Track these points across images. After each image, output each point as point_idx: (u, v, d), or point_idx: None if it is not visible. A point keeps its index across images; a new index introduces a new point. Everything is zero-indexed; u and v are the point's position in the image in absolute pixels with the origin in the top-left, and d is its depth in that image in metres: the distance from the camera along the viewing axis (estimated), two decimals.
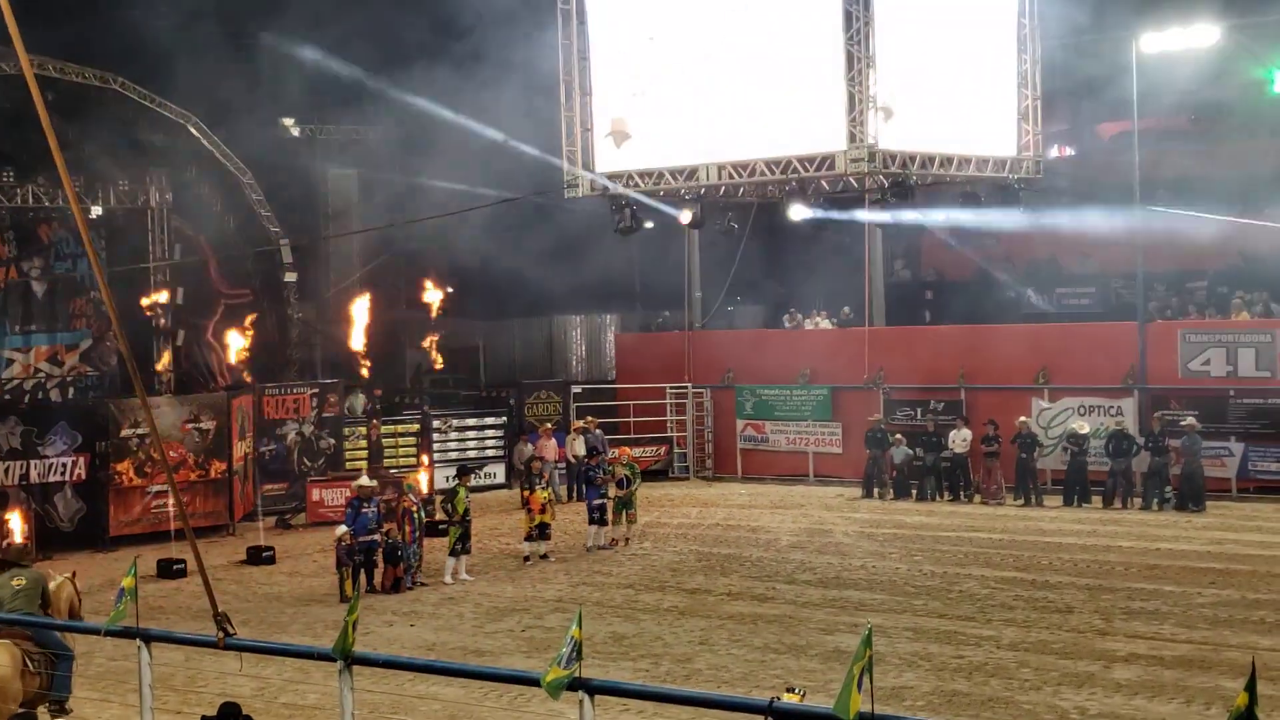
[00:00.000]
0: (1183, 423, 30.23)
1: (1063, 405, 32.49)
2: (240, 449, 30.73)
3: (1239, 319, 32.79)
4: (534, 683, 10.38)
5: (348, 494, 26.31)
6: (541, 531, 26.01)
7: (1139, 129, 33.17)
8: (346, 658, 11.28)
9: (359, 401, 35.52)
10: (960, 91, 30.22)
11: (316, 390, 33.00)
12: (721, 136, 29.78)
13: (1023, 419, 31.70)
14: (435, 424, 35.42)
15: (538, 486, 26.48)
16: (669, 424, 37.62)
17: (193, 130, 34.74)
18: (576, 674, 10.10)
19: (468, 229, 35.85)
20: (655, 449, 37.05)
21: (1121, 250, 34.72)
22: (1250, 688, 8.04)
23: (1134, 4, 33.09)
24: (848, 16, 27.40)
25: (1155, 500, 30.01)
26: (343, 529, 23.75)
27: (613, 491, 27.68)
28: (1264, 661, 16.54)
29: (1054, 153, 39.55)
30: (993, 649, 18.50)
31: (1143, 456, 30.48)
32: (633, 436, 36.15)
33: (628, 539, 27.51)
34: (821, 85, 28.35)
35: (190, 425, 29.63)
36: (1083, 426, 31.41)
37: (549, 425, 35.19)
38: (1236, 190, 35.06)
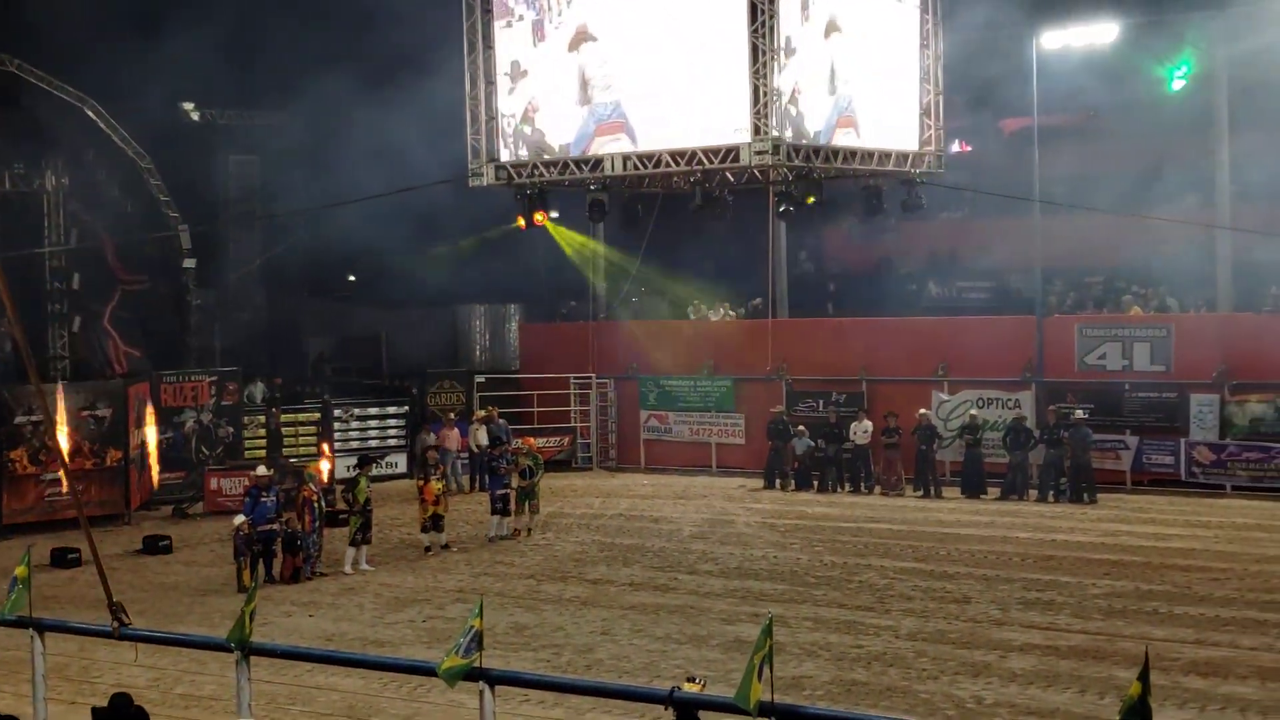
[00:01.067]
0: (1072, 415, 30.69)
1: (962, 397, 32.84)
2: (137, 437, 30.32)
3: (1133, 314, 33.33)
4: (433, 673, 10.34)
5: (246, 483, 26.07)
6: (435, 523, 25.90)
7: (1039, 125, 33.57)
8: (243, 648, 11.17)
9: (259, 390, 35.18)
10: (865, 85, 30.40)
11: (215, 378, 32.63)
12: (630, 126, 29.70)
13: (922, 411, 32.03)
14: (336, 413, 35.19)
15: (432, 477, 26.29)
16: (573, 414, 37.58)
17: (90, 114, 34.19)
18: (477, 664, 10.07)
19: (372, 218, 35.57)
20: (559, 439, 37.00)
21: (1020, 244, 35.13)
22: (1143, 677, 8.17)
23: (1036, 1, 33.46)
24: (753, 9, 27.46)
25: (1050, 492, 30.41)
26: (240, 518, 23.52)
27: (515, 482, 27.62)
28: (1157, 651, 16.77)
29: (955, 148, 39.93)
30: (891, 639, 18.66)
31: (1040, 448, 30.88)
32: (536, 426, 36.06)
33: (530, 529, 27.46)
34: (727, 77, 28.40)
35: (86, 413, 29.18)
36: (978, 416, 31.82)
37: (452, 415, 35.05)
38: (1134, 186, 35.59)
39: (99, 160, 35.53)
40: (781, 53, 27.98)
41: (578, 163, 30.11)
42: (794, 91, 28.76)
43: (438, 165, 34.26)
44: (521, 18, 29.87)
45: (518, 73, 30.23)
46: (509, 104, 30.06)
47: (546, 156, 31.02)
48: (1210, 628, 18.86)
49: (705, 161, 28.53)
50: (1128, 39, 33.83)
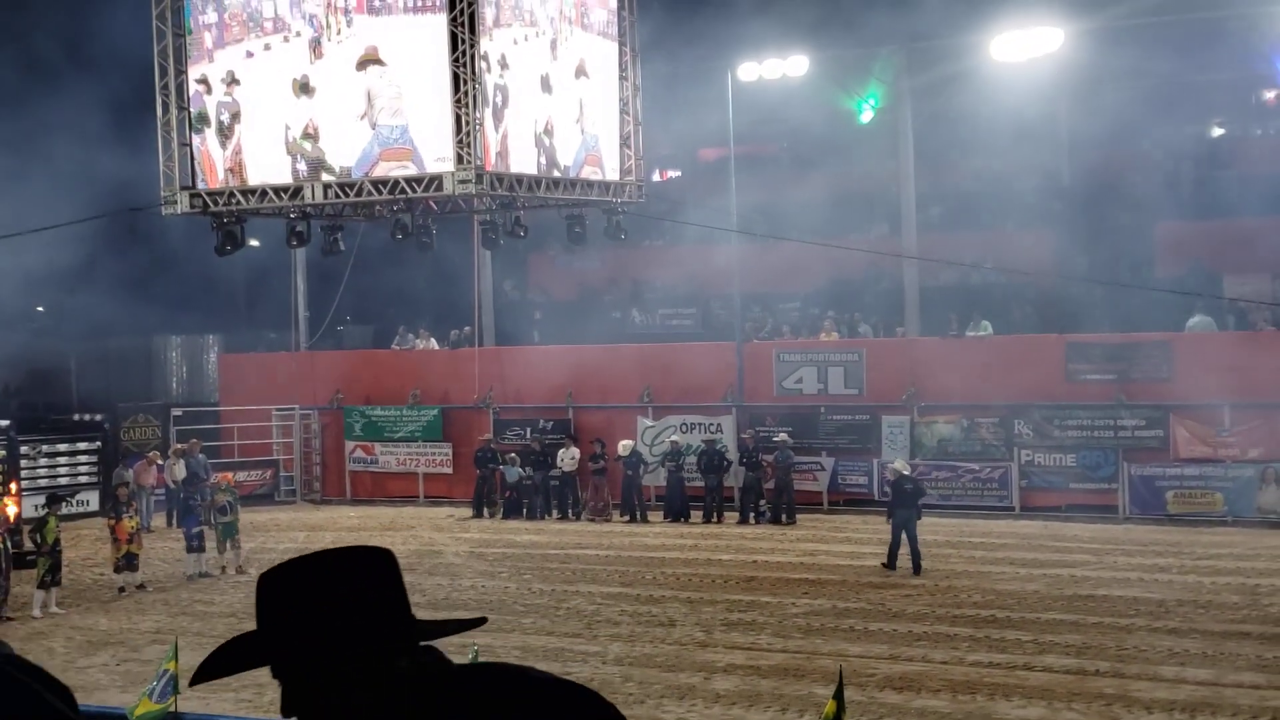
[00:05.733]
0: (775, 438, 31.46)
1: (666, 423, 33.35)
2: None
3: (829, 339, 34.33)
4: (125, 719, 9.97)
5: None
6: (129, 562, 25.01)
7: (736, 154, 34.40)
8: None
9: None
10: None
11: None
12: (331, 155, 29.22)
13: (625, 443, 32.38)
14: (23, 449, 33.68)
15: (125, 515, 25.33)
16: (275, 447, 36.83)
17: None
18: (172, 708, 9.77)
19: (58, 245, 34.24)
20: (261, 472, 36.20)
21: (720, 271, 35.87)
22: (838, 695, 8.38)
23: (733, 33, 34.25)
24: (453, 38, 27.42)
25: (750, 514, 31.08)
26: None
27: (214, 518, 26.88)
28: (853, 668, 17.26)
29: (657, 176, 40.53)
30: (599, 664, 18.75)
31: (739, 471, 31.54)
32: (237, 460, 35.23)
33: (228, 567, 26.73)
34: (429, 106, 28.26)
35: None
36: (680, 442, 32.36)
37: (155, 453, 33.76)
38: (829, 214, 36.71)
39: None
40: (477, 83, 28.01)
41: (277, 190, 29.51)
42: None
43: (131, 189, 33.22)
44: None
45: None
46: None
47: (243, 185, 30.26)
48: (903, 643, 19.49)
49: (408, 190, 28.31)
50: (819, 71, 34.91)
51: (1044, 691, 16.71)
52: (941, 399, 31.74)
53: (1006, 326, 33.59)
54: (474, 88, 27.20)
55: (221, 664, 3.01)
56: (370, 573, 2.98)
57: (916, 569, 24.61)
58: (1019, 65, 33.13)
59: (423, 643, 2.97)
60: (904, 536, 24.75)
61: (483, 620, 3.11)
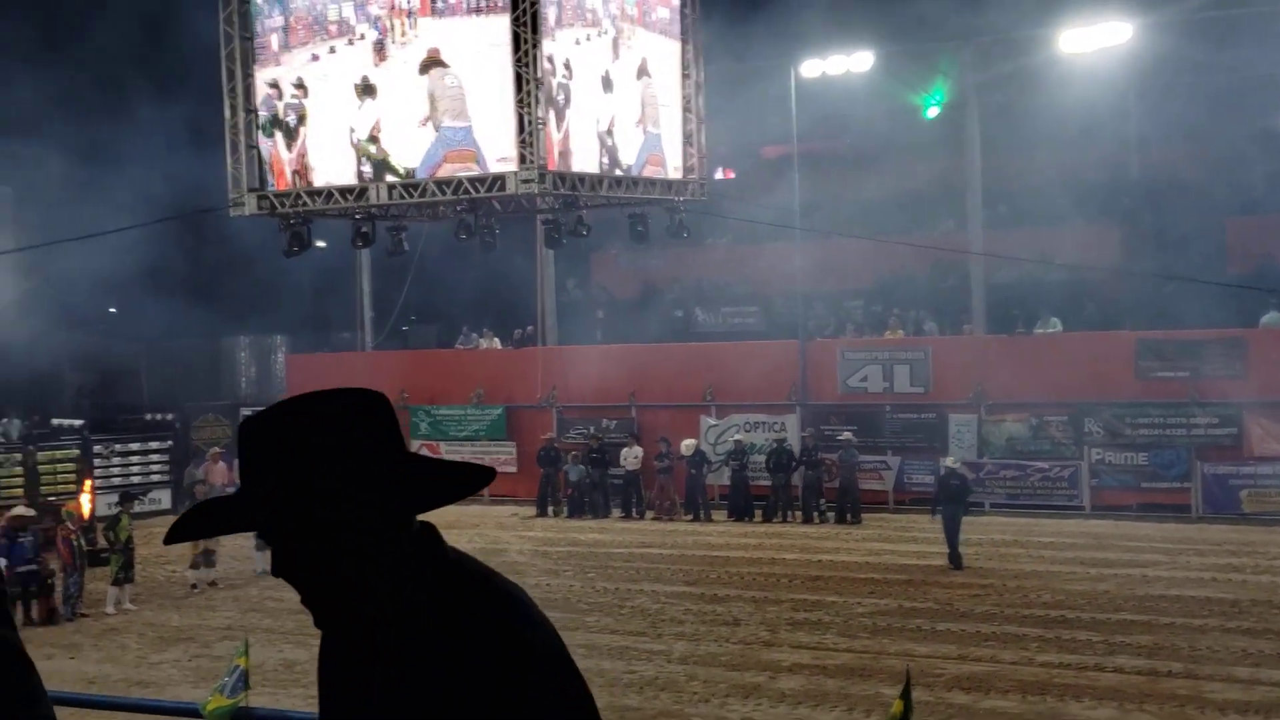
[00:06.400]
0: (839, 437, 31.34)
1: (729, 422, 33.30)
2: None
3: (894, 337, 34.16)
4: (197, 714, 10.05)
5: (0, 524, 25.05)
6: (207, 558, 25.30)
7: (800, 152, 34.28)
8: None
9: (14, 427, 33.93)
10: (628, 114, 30.68)
11: None
12: (395, 156, 29.40)
13: (688, 441, 32.35)
14: (96, 449, 34.10)
15: None
16: None
17: None
18: (243, 703, 9.83)
19: (129, 248, 34.62)
20: None
21: (782, 269, 35.78)
22: (905, 695, 8.34)
23: (795, 30, 34.13)
24: (516, 39, 27.50)
25: (814, 513, 31.00)
26: None
27: None
28: (920, 668, 17.18)
29: (719, 174, 40.47)
30: (664, 663, 18.76)
31: (800, 470, 31.46)
32: None
33: None
34: (493, 107, 28.37)
35: None
36: (744, 441, 32.30)
37: (218, 449, 34.17)
38: (893, 211, 36.54)
39: None
40: (540, 83, 28.07)
41: (342, 192, 29.70)
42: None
43: (200, 191, 33.57)
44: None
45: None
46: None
47: (308, 187, 30.48)
48: (972, 643, 19.38)
49: (471, 190, 28.42)
50: (883, 68, 34.72)
51: (1115, 692, 16.57)
52: (1009, 397, 31.48)
53: (1075, 323, 33.28)
54: (536, 88, 27.27)
55: (200, 523, 2.76)
56: (362, 413, 2.76)
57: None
58: (1087, 60, 32.84)
59: (423, 509, 2.86)
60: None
61: (491, 474, 2.89)
